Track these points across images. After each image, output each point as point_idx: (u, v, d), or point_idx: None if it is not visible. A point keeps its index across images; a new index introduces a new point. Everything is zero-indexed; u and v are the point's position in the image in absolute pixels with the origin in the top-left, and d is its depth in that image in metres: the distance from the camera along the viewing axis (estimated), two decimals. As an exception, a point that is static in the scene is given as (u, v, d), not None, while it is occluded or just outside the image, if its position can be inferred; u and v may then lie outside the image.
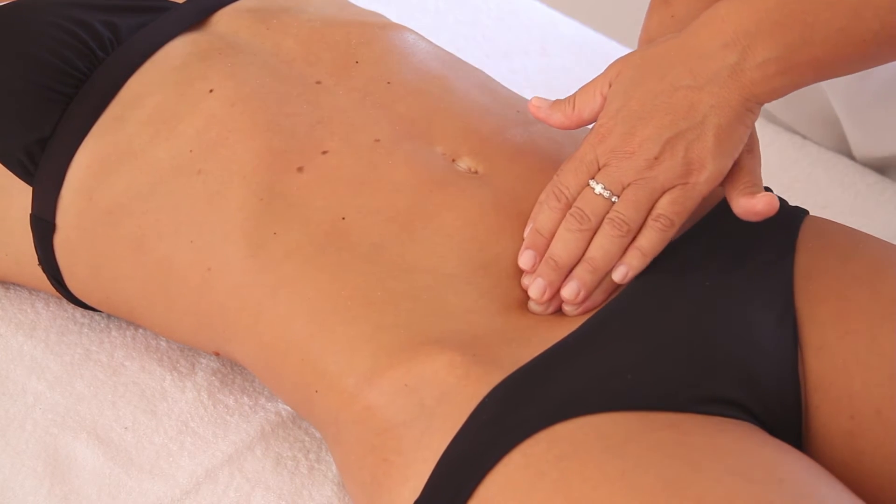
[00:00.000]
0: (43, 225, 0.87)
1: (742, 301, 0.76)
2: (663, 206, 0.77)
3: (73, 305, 0.96)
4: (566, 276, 0.79)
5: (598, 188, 0.78)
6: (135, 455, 0.88)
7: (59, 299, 0.97)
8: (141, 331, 0.96)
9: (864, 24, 0.73)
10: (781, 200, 0.85)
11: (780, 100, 0.79)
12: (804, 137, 1.25)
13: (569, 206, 0.79)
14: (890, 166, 1.20)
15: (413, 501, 0.70)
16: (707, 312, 0.75)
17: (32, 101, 0.86)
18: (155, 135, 0.85)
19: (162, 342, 0.95)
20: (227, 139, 0.83)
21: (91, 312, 0.97)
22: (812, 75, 0.76)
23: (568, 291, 0.78)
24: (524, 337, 0.76)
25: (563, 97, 0.83)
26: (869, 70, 1.08)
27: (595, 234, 0.78)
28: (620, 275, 0.78)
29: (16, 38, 0.88)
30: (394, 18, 1.01)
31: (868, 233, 0.84)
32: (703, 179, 0.77)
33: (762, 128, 1.23)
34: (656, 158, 0.76)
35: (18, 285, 0.99)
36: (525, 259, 0.79)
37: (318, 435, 0.89)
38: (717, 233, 0.81)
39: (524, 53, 1.39)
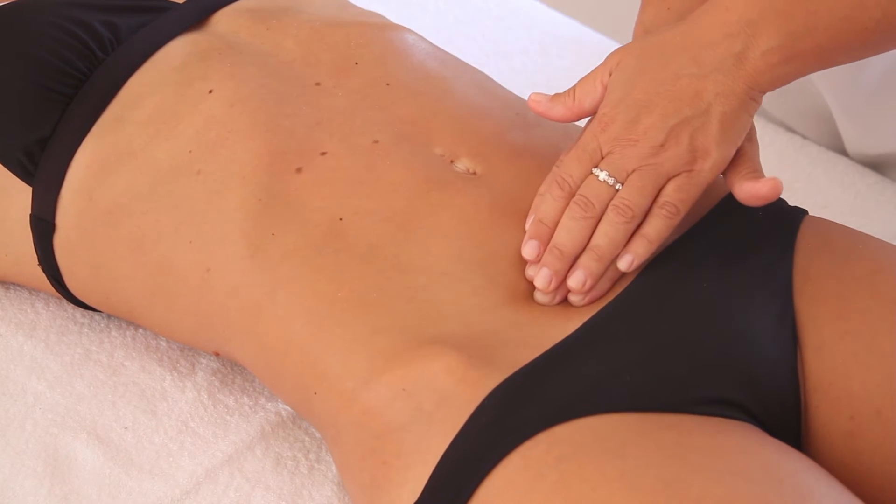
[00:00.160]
0: (43, 225, 0.87)
1: (741, 301, 0.76)
2: (669, 193, 0.77)
3: (73, 305, 0.96)
4: (571, 266, 0.78)
5: (603, 175, 0.77)
6: (135, 455, 0.88)
7: (59, 299, 0.97)
8: (141, 331, 0.96)
9: (866, 12, 0.74)
10: (781, 200, 0.85)
11: (773, 94, 0.79)
12: (804, 137, 1.25)
13: (572, 194, 0.78)
14: (885, 164, 1.20)
15: (412, 503, 0.70)
16: (706, 313, 0.75)
17: (32, 101, 0.87)
18: (154, 135, 0.85)
19: (162, 342, 0.95)
20: (226, 140, 0.83)
21: (91, 312, 0.97)
22: (815, 63, 0.77)
23: (574, 281, 0.78)
24: (520, 337, 0.75)
25: (562, 95, 0.83)
26: (863, 67, 1.08)
27: (599, 222, 0.78)
28: (626, 263, 0.77)
29: (16, 38, 0.88)
30: (394, 18, 1.01)
31: (868, 233, 0.84)
32: (708, 167, 0.77)
33: (762, 128, 1.23)
34: (661, 146, 0.76)
35: (18, 285, 0.99)
36: (529, 249, 0.79)
37: (318, 435, 0.89)
38: (716, 233, 0.81)
39: (524, 53, 1.39)
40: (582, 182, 0.78)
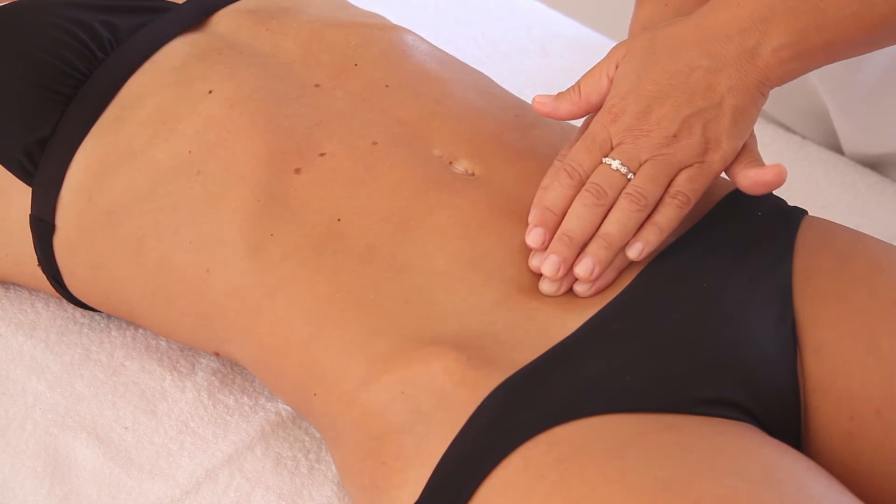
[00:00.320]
0: (42, 225, 0.87)
1: (741, 302, 0.76)
2: (681, 183, 0.77)
3: (72, 305, 0.96)
4: (578, 254, 0.77)
5: (615, 164, 0.77)
6: (135, 455, 0.88)
7: (59, 299, 0.97)
8: (141, 331, 0.96)
9: (874, 8, 0.75)
10: (781, 200, 0.85)
11: (770, 94, 0.80)
12: (803, 137, 1.25)
13: (581, 183, 0.78)
14: (883, 164, 1.20)
15: (412, 504, 0.71)
16: (706, 313, 0.75)
17: (32, 101, 0.87)
18: (154, 135, 0.85)
19: (162, 342, 0.95)
20: (225, 140, 0.83)
21: (91, 312, 0.97)
22: (823, 59, 0.78)
23: (582, 268, 0.77)
24: (519, 337, 0.75)
25: (563, 96, 0.84)
26: (861, 66, 1.09)
27: (609, 210, 0.78)
28: (637, 251, 0.77)
29: (16, 39, 0.88)
30: (394, 18, 1.01)
31: (868, 233, 0.84)
32: (718, 158, 0.77)
33: (761, 128, 1.23)
34: (674, 136, 0.77)
35: (18, 285, 0.99)
36: (534, 236, 0.78)
37: (318, 435, 0.89)
38: (716, 233, 0.81)
39: (524, 53, 1.39)
40: (591, 172, 0.78)
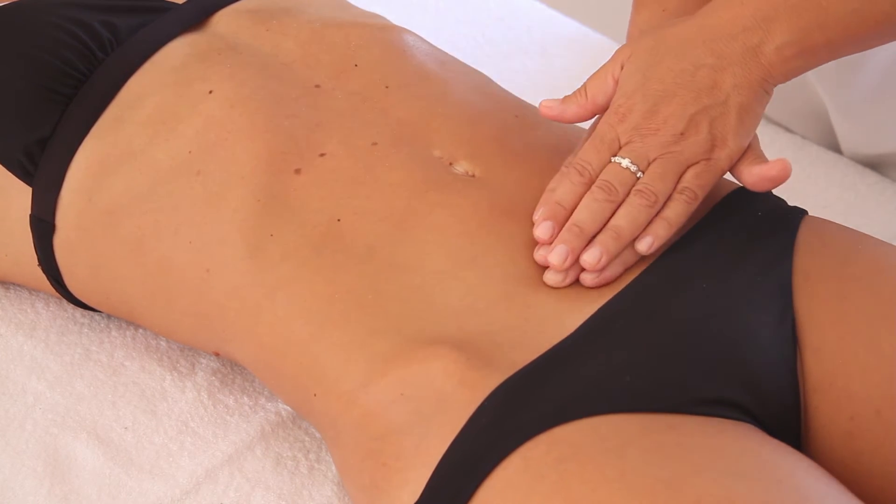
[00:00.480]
0: (42, 225, 0.87)
1: (741, 302, 0.76)
2: (689, 179, 0.78)
3: (72, 305, 0.96)
4: (586, 246, 0.77)
5: (625, 163, 0.78)
6: (135, 455, 0.88)
7: (59, 299, 0.97)
8: (141, 331, 0.96)
9: (876, 5, 0.76)
10: (781, 200, 0.85)
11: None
12: (803, 137, 1.25)
13: (592, 181, 0.79)
14: (882, 164, 1.20)
15: (412, 505, 0.70)
16: (706, 313, 0.75)
17: (32, 101, 0.87)
18: (154, 135, 0.85)
19: (162, 342, 0.95)
20: (225, 140, 0.83)
21: (91, 312, 0.97)
22: (826, 56, 0.79)
23: (590, 255, 0.77)
24: (519, 337, 0.75)
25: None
26: (860, 66, 1.09)
27: (619, 207, 0.78)
28: (646, 245, 0.78)
29: (16, 38, 0.88)
30: (394, 18, 1.01)
31: (868, 233, 0.84)
32: (725, 155, 0.78)
33: (761, 128, 1.23)
34: (682, 134, 0.77)
35: (18, 285, 0.99)
36: (543, 229, 0.78)
37: (318, 435, 0.89)
38: (716, 233, 0.81)
39: (524, 53, 1.39)
40: (600, 171, 0.79)
